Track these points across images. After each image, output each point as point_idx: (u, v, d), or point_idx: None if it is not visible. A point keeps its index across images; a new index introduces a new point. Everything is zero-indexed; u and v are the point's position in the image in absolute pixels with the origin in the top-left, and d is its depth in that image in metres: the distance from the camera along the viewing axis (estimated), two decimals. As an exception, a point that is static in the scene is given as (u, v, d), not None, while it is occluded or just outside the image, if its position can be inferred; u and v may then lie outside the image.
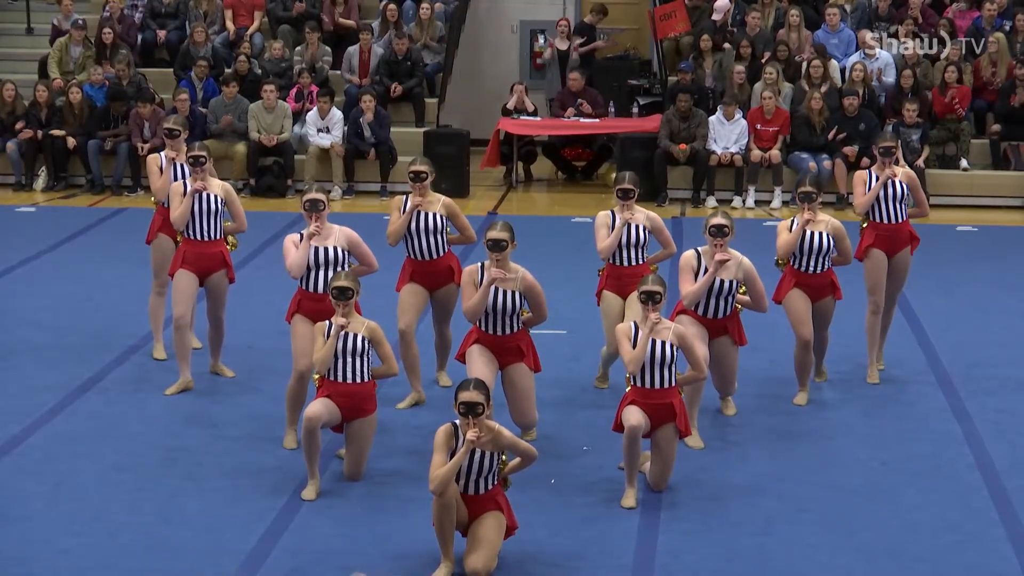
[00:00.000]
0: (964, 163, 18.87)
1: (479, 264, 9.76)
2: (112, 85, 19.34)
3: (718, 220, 9.96)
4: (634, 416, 8.90)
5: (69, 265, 15.17)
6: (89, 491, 9.19)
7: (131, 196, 18.85)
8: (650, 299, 8.97)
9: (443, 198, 10.75)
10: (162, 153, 11.73)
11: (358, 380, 9.18)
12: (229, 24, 20.65)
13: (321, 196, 10.07)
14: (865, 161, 17.53)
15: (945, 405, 11.03)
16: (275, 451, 9.89)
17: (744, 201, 18.66)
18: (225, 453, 9.87)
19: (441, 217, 10.66)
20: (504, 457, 8.14)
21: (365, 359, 9.20)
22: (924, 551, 8.47)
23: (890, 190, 11.32)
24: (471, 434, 7.87)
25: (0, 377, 11.42)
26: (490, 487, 8.08)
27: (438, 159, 18.22)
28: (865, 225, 11.43)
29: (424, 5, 20.48)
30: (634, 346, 8.99)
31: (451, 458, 7.92)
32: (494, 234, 9.60)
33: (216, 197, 11.00)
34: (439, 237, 10.66)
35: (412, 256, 10.72)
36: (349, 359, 9.16)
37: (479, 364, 9.67)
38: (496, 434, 8.00)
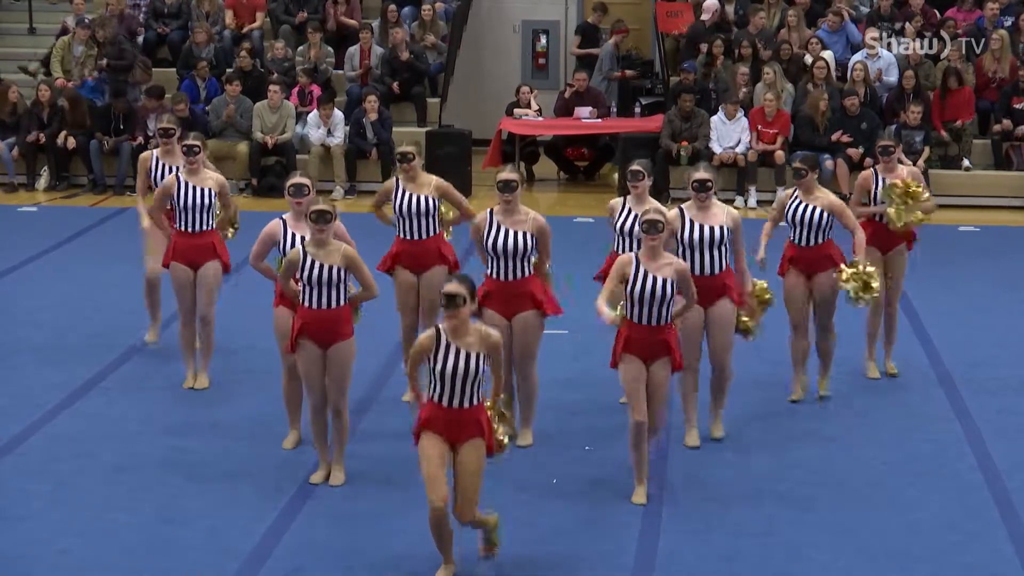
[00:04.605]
0: (966, 163, 18.85)
1: (490, 213, 9.73)
2: (112, 81, 19.32)
3: (700, 175, 9.85)
4: (639, 411, 8.89)
5: (70, 265, 15.18)
6: (89, 491, 9.19)
7: (134, 196, 18.80)
8: (652, 228, 8.94)
9: (434, 179, 10.74)
10: (155, 152, 11.68)
11: (333, 306, 9.14)
12: (230, 23, 20.65)
13: (306, 180, 10.00)
14: (868, 160, 17.50)
15: (947, 405, 11.02)
16: (275, 451, 9.88)
17: (746, 201, 18.65)
18: (226, 453, 9.87)
19: (433, 199, 10.64)
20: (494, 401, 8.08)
21: (342, 287, 9.14)
22: (925, 551, 8.46)
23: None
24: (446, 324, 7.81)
25: (0, 377, 11.43)
26: (475, 402, 7.93)
27: (440, 159, 18.32)
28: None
29: (426, 6, 20.48)
30: (634, 280, 8.92)
31: (431, 363, 7.84)
32: (504, 175, 9.68)
33: (208, 191, 10.98)
34: (430, 219, 10.65)
35: (401, 235, 10.70)
36: (325, 289, 9.11)
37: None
38: (483, 335, 7.90)
